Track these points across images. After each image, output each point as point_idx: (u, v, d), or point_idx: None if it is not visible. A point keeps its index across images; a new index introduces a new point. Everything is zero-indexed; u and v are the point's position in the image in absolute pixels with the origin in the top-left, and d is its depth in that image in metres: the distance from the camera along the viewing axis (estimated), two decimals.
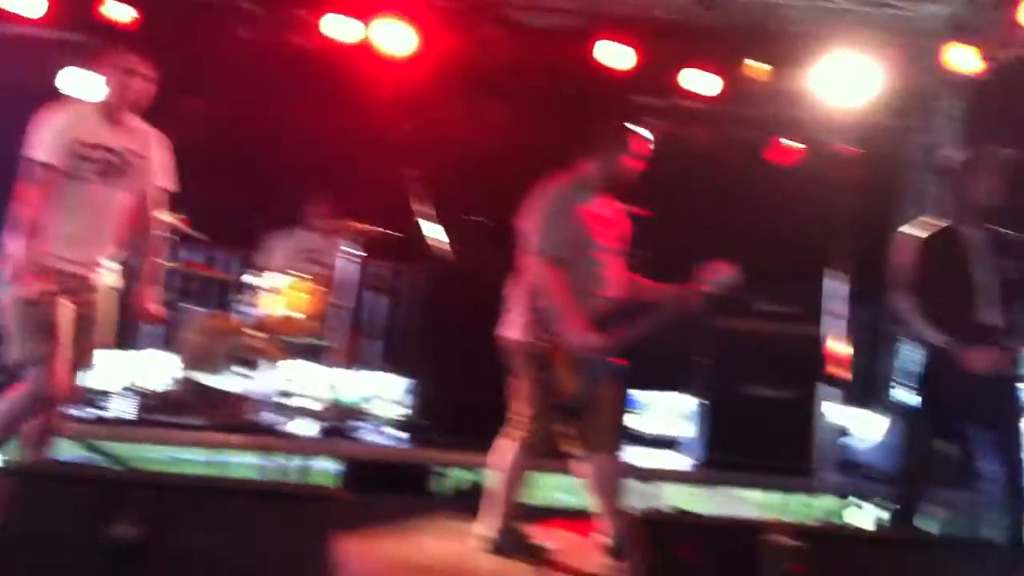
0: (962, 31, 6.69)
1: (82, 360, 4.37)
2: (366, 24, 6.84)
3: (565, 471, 4.50)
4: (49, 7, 6.67)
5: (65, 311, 4.19)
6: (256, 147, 7.35)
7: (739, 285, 4.39)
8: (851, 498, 6.19)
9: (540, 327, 4.31)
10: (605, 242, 4.49)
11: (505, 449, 4.46)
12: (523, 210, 4.45)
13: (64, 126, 4.25)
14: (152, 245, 4.61)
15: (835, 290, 4.56)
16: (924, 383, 4.45)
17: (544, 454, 4.42)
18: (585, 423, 4.34)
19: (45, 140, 4.22)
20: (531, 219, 4.41)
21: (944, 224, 4.54)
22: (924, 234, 4.53)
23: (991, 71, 6.66)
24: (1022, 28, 6.07)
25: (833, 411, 5.94)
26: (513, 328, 4.46)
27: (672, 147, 7.10)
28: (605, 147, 4.46)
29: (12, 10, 6.65)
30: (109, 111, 4.38)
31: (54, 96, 4.83)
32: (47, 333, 4.12)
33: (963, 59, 6.68)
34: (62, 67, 7.03)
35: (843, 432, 6.37)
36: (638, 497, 5.28)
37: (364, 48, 6.91)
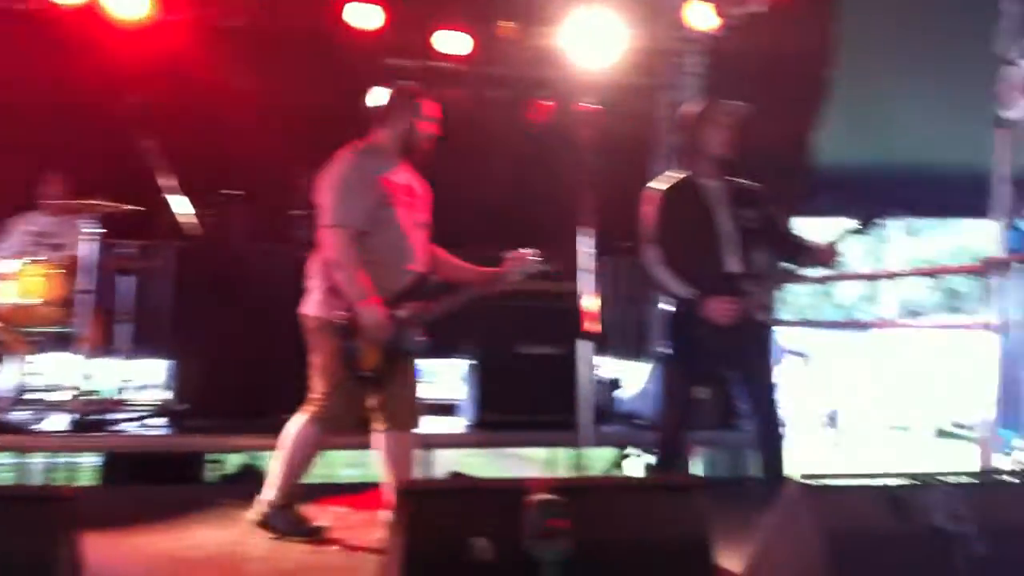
0: None
1: None
2: None
3: (351, 446, 4.38)
4: None
5: None
6: None
7: (544, 271, 4.42)
8: (629, 448, 6.42)
9: (338, 301, 4.13)
10: (409, 213, 4.33)
11: (295, 425, 4.28)
12: (316, 182, 4.24)
13: None
14: None
15: (587, 246, 4.66)
16: (678, 332, 4.57)
17: (339, 431, 4.28)
18: (384, 398, 4.24)
19: None
20: (324, 191, 4.20)
21: (684, 177, 4.66)
22: (667, 187, 4.64)
23: (727, 27, 6.97)
24: None
25: (603, 364, 6.10)
26: (310, 304, 4.27)
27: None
28: (397, 112, 4.32)
29: None
30: None
31: None
32: None
33: (702, 16, 6.96)
34: None
35: (615, 384, 6.58)
36: (421, 466, 5.25)
37: (92, 12, 6.47)
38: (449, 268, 4.51)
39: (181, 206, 5.93)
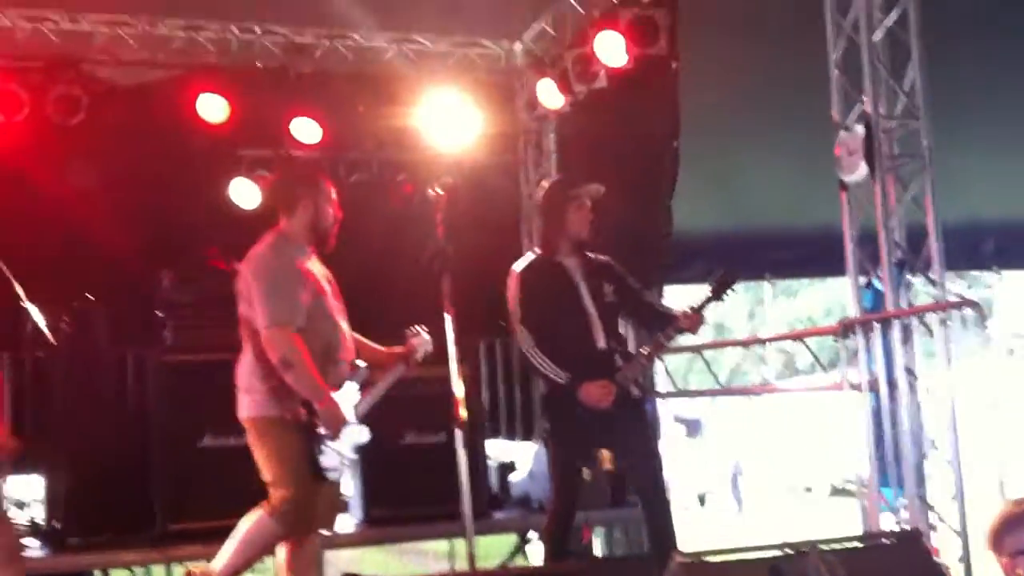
0: (542, 66, 7.14)
1: None
2: None
3: None
4: None
5: None
6: None
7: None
8: (531, 533, 6.36)
9: (288, 400, 4.06)
10: (332, 300, 4.29)
11: (253, 521, 4.13)
12: (238, 282, 4.18)
13: None
14: None
15: (451, 330, 4.73)
16: (556, 414, 4.64)
17: (300, 531, 4.18)
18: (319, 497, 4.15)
19: None
20: (255, 291, 4.11)
21: (543, 256, 4.73)
22: (527, 268, 4.71)
23: (574, 105, 7.15)
24: (598, 61, 6.54)
25: (495, 447, 6.06)
26: (252, 405, 4.17)
27: None
28: (303, 198, 4.27)
29: None
30: None
31: None
32: None
33: (550, 94, 7.15)
34: None
35: (509, 467, 6.55)
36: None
37: None
38: (366, 351, 4.47)
39: (35, 314, 5.69)
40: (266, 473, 4.18)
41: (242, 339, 4.29)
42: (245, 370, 4.23)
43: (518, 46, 7.60)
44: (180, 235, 6.77)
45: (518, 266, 4.74)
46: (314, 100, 7.23)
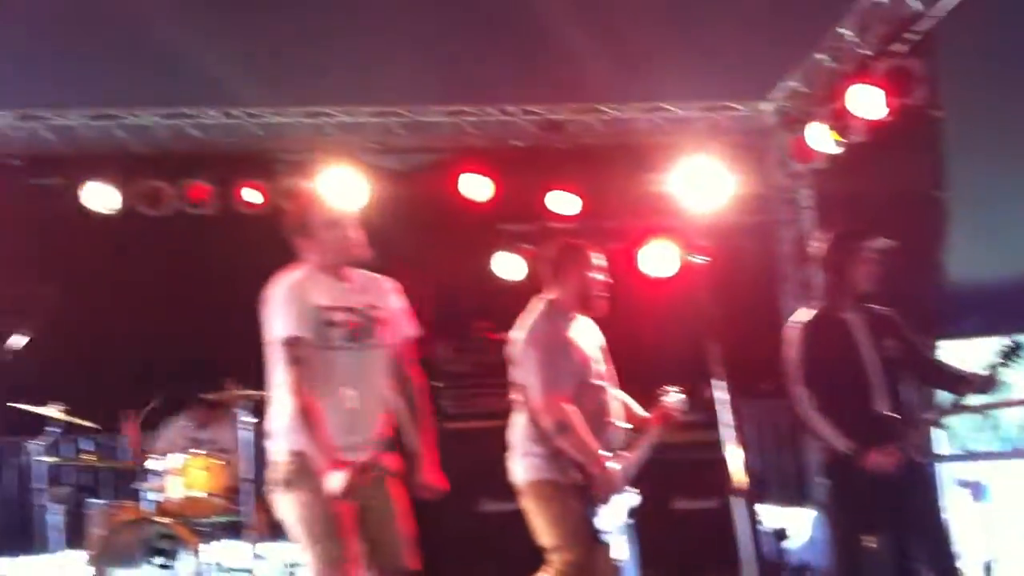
0: (793, 124, 7.11)
1: (393, 560, 3.75)
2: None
3: None
4: None
5: (348, 506, 3.59)
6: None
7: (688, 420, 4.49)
8: None
9: (563, 464, 4.17)
10: (601, 366, 4.40)
11: None
12: (509, 350, 4.33)
13: (298, 294, 3.70)
14: (419, 405, 3.98)
15: (721, 394, 4.68)
16: (839, 483, 4.48)
17: None
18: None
19: (285, 314, 3.67)
20: (525, 357, 4.26)
21: (823, 311, 4.56)
22: (809, 324, 4.55)
23: (828, 159, 7.06)
24: (854, 115, 6.45)
25: (765, 513, 5.92)
26: (528, 469, 4.28)
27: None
28: (571, 269, 4.39)
29: None
30: (333, 269, 3.82)
31: None
32: (338, 531, 3.55)
33: (810, 147, 7.06)
34: None
35: (781, 534, 6.40)
36: None
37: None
38: (630, 415, 4.50)
39: None
40: (546, 537, 4.25)
41: (514, 404, 4.41)
42: (520, 434, 4.35)
43: (767, 105, 7.60)
44: (449, 307, 7.13)
45: (798, 321, 4.60)
46: (570, 173, 7.50)
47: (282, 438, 3.69)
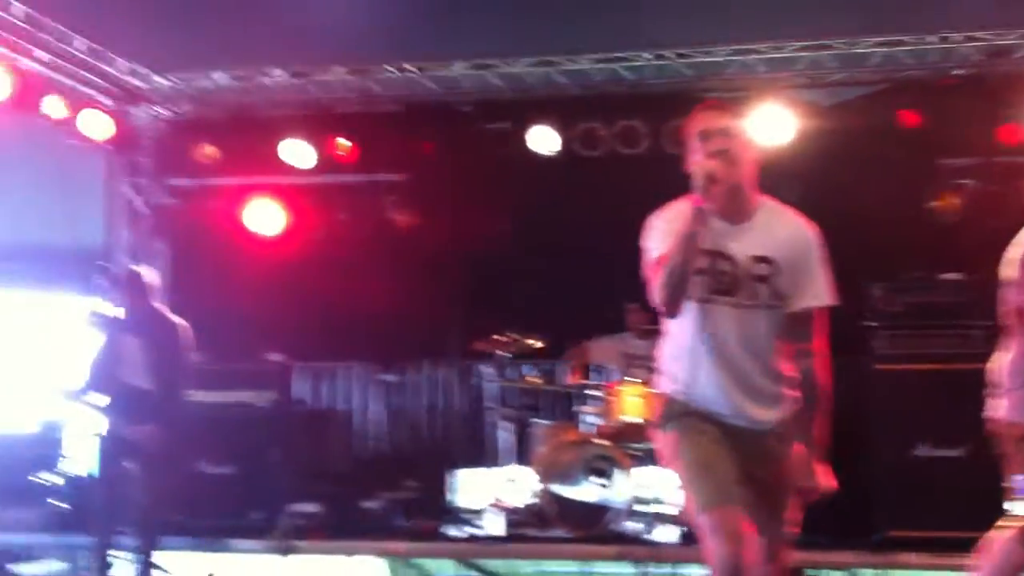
0: None
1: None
2: None
3: None
4: None
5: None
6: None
7: None
8: None
9: None
10: None
11: (994, 542, 3.88)
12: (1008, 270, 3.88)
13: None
14: (817, 386, 3.35)
15: None
16: None
17: None
18: None
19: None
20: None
21: None
22: None
23: None
24: None
25: None
26: (1007, 408, 3.86)
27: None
28: None
29: None
30: (721, 203, 3.25)
31: None
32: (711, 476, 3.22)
33: None
34: None
35: None
36: None
37: None
38: None
39: None
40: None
41: (1008, 334, 3.93)
42: (1013, 369, 3.88)
43: None
44: (882, 245, 6.96)
45: None
46: (1019, 103, 6.99)
47: (663, 377, 3.50)
